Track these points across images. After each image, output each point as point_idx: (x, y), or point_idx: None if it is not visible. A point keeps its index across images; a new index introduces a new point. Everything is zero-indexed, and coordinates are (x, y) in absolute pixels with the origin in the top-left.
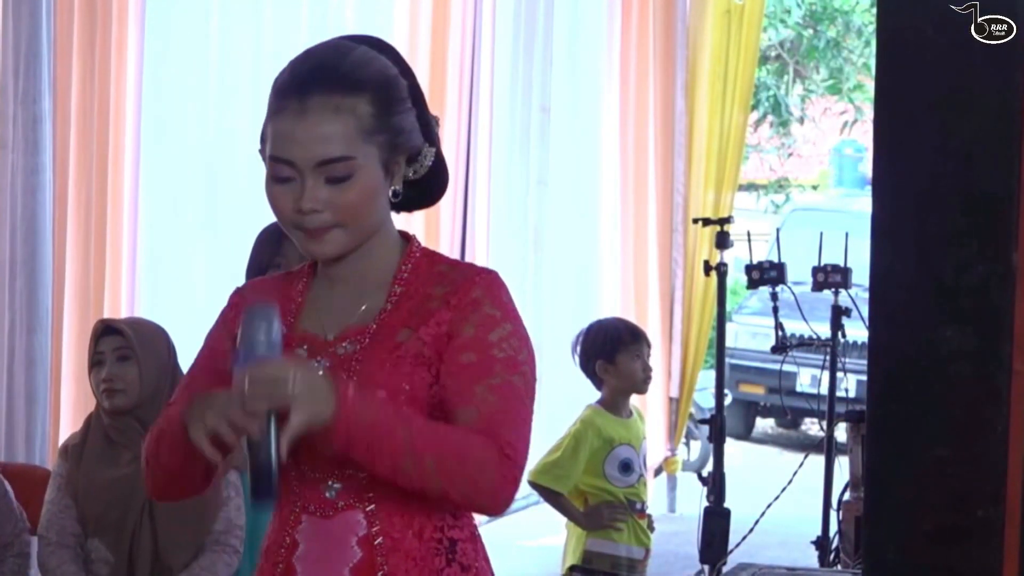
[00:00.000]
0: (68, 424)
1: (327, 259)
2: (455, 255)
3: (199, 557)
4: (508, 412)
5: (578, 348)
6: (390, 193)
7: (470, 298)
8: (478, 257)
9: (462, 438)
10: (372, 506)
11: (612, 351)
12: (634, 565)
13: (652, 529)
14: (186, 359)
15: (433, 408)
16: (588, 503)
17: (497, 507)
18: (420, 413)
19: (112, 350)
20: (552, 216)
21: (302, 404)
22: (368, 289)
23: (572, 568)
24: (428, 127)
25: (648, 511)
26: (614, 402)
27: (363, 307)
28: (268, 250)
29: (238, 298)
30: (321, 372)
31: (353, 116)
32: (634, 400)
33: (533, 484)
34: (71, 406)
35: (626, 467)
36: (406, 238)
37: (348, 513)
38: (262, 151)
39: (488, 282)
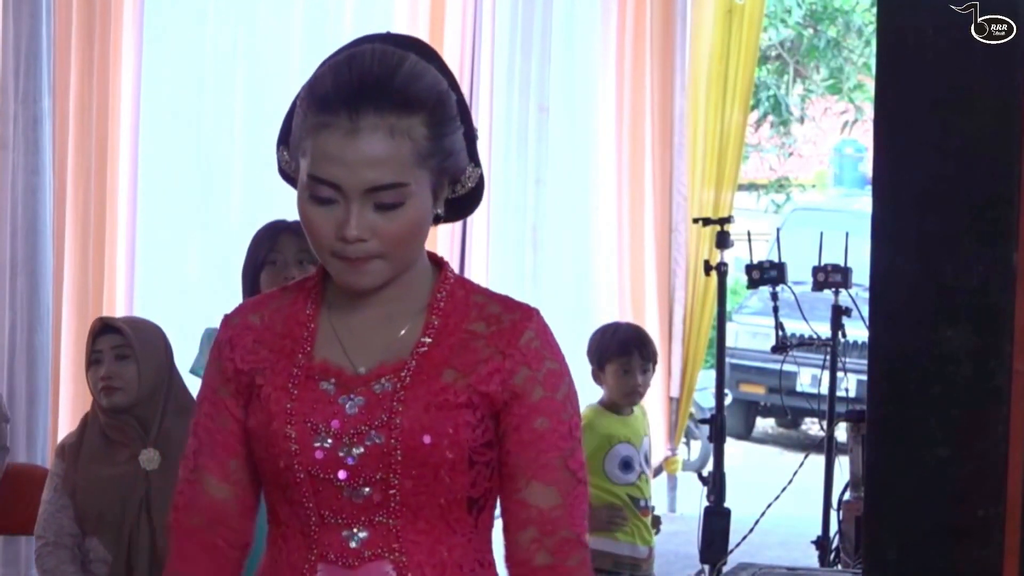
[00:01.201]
0: (67, 423)
1: (364, 292)
2: (455, 255)
3: None
4: (579, 491)
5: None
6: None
7: (530, 348)
8: (476, 256)
9: None
10: (404, 557)
11: (602, 360)
12: (638, 564)
13: (658, 528)
14: (181, 358)
15: (474, 451)
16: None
17: None
18: (460, 457)
19: (110, 348)
20: (550, 215)
21: None
22: (399, 316)
23: None
24: (472, 145)
25: (653, 509)
26: (613, 402)
27: (399, 335)
28: (264, 246)
29: (230, 331)
30: None
31: (408, 139)
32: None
33: None
34: (70, 405)
35: (626, 465)
36: (436, 261)
37: (376, 563)
38: (284, 156)
39: (540, 327)
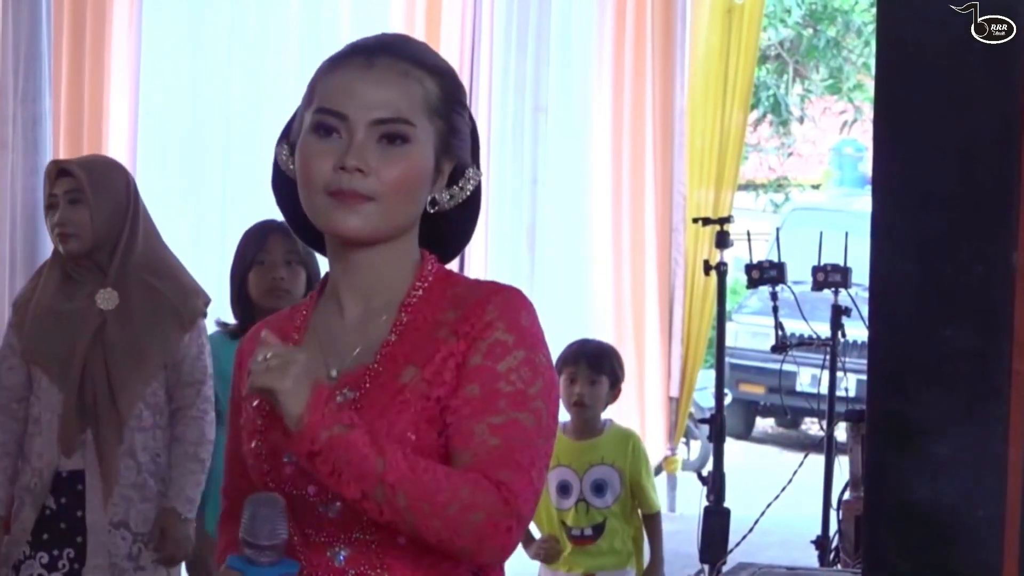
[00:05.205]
0: None
1: (354, 238)
2: None
3: (176, 466)
4: (510, 455)
5: None
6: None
7: (483, 322)
8: (475, 256)
9: (450, 479)
10: (386, 573)
11: (559, 371)
12: None
13: (558, 553)
14: None
15: (444, 459)
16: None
17: (484, 555)
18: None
19: (64, 193)
20: (547, 216)
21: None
22: (374, 313)
23: None
24: (477, 153)
25: (584, 534)
26: (576, 424)
27: (370, 335)
28: (252, 247)
29: (239, 356)
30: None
31: (420, 86)
32: (634, 414)
33: None
34: None
35: (563, 489)
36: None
37: None
38: (284, 152)
39: (505, 301)
